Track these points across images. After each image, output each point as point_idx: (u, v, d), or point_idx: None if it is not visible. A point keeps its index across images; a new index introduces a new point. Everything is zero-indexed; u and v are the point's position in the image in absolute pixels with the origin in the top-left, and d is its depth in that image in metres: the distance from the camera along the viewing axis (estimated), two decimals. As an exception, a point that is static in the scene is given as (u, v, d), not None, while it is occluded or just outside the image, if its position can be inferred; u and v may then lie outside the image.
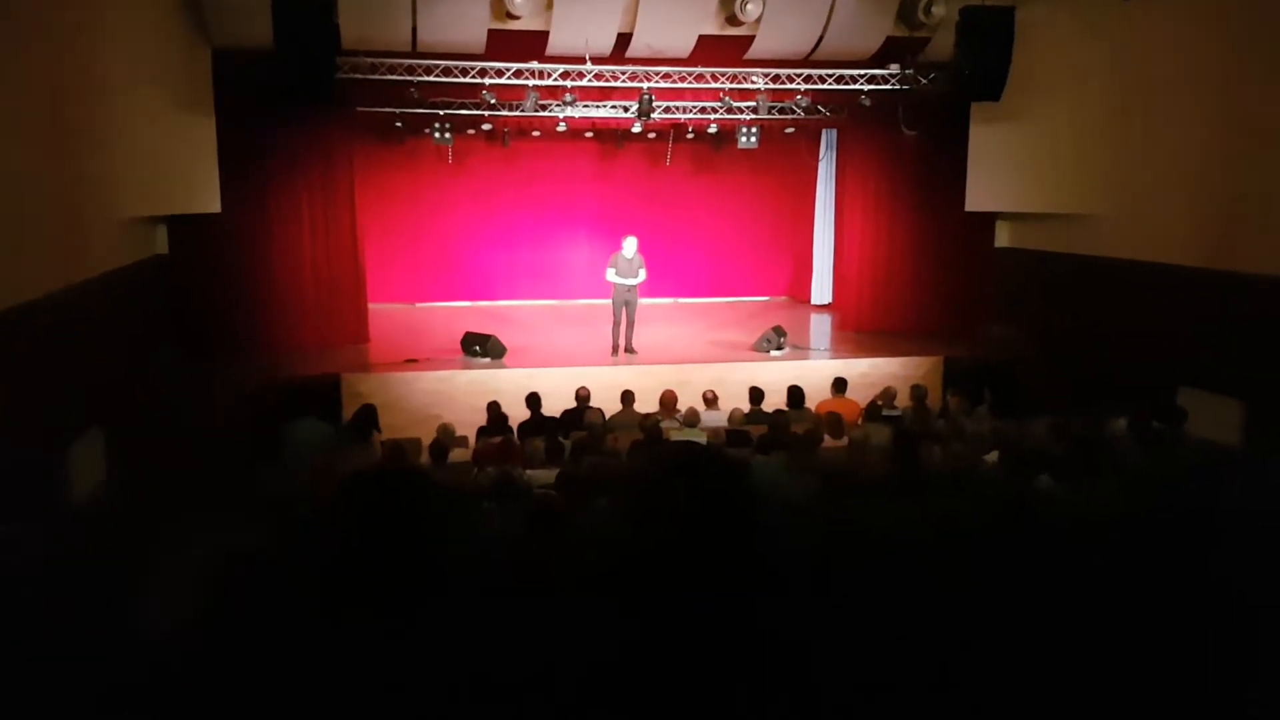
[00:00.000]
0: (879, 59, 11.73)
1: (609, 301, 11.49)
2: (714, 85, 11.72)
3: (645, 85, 11.41)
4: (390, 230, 14.38)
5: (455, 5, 10.38)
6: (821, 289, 15.52)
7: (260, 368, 10.37)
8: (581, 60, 11.05)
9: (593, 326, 12.46)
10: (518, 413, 8.54)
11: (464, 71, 11.03)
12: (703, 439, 7.41)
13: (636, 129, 12.97)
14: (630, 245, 11.27)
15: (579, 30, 10.82)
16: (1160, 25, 9.76)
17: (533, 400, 8.57)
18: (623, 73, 11.35)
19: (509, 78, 11.18)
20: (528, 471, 6.36)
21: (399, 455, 7.02)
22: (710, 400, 8.98)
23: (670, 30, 11.12)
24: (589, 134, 14.23)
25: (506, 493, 5.53)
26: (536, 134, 13.91)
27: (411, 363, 10.79)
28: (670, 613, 1.40)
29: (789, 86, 11.77)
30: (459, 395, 10.10)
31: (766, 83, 11.70)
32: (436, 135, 12.88)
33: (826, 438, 7.22)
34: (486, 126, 13.34)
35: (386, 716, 1.35)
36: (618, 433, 7.75)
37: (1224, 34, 9.00)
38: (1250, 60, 8.73)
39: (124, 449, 7.82)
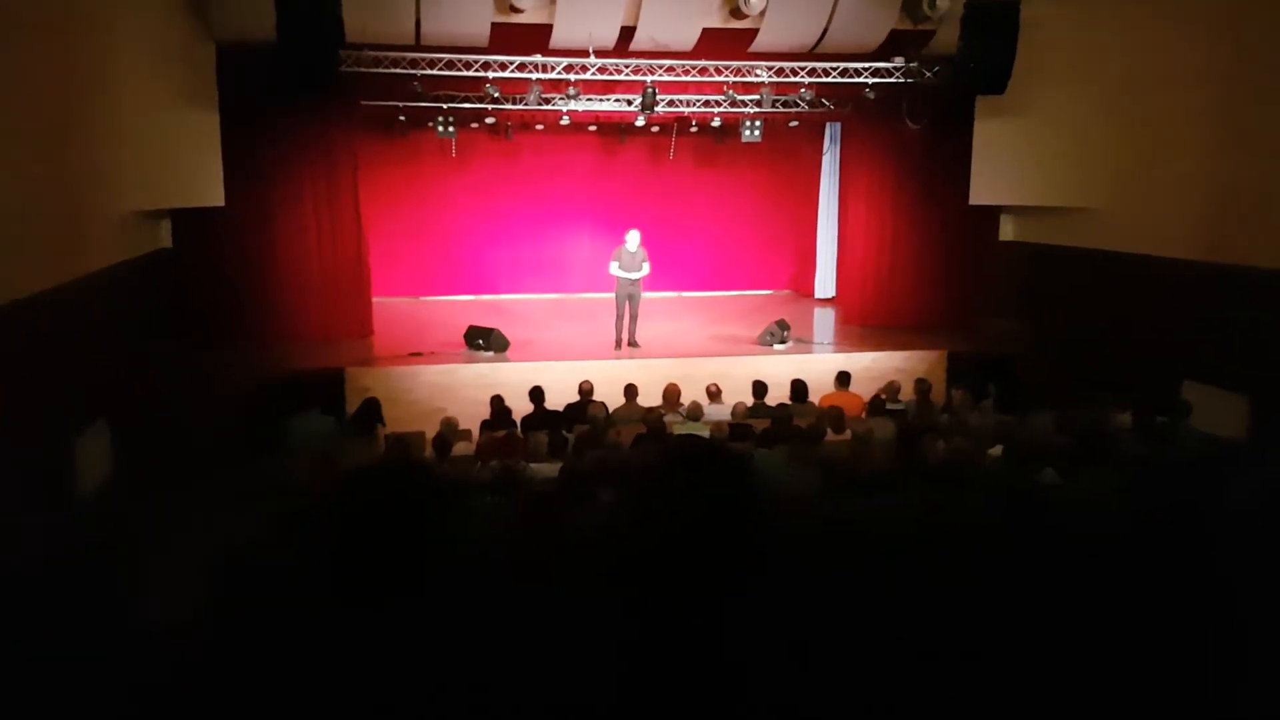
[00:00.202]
0: (883, 52, 11.69)
1: (612, 295, 11.49)
2: (718, 79, 11.70)
3: (649, 79, 11.39)
4: (394, 224, 14.38)
5: (458, -2, 10.37)
6: (825, 283, 15.50)
7: (264, 361, 10.38)
8: (585, 54, 11.03)
9: (596, 320, 12.45)
10: (521, 406, 8.55)
11: (467, 65, 11.01)
12: (706, 433, 7.41)
13: (640, 123, 12.95)
14: (633, 239, 11.27)
15: (582, 23, 10.79)
16: (1165, 18, 9.74)
17: (536, 394, 8.57)
18: (626, 66, 11.33)
19: (512, 71, 11.16)
20: (531, 465, 6.37)
21: (402, 449, 7.03)
22: (713, 394, 8.97)
23: (674, 23, 11.10)
24: (592, 128, 14.21)
25: (509, 486, 5.53)
26: (540, 128, 13.89)
27: (415, 356, 10.80)
28: (672, 607, 1.40)
29: (793, 80, 11.75)
30: (462, 389, 10.11)
31: (770, 76, 11.67)
32: (440, 129, 12.85)
33: (829, 432, 7.21)
34: (490, 120, 13.31)
35: (389, 709, 1.36)
36: (621, 426, 7.75)
37: (1229, 27, 8.97)
38: (1255, 53, 8.70)
39: (128, 443, 7.84)
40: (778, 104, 12.38)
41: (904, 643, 1.63)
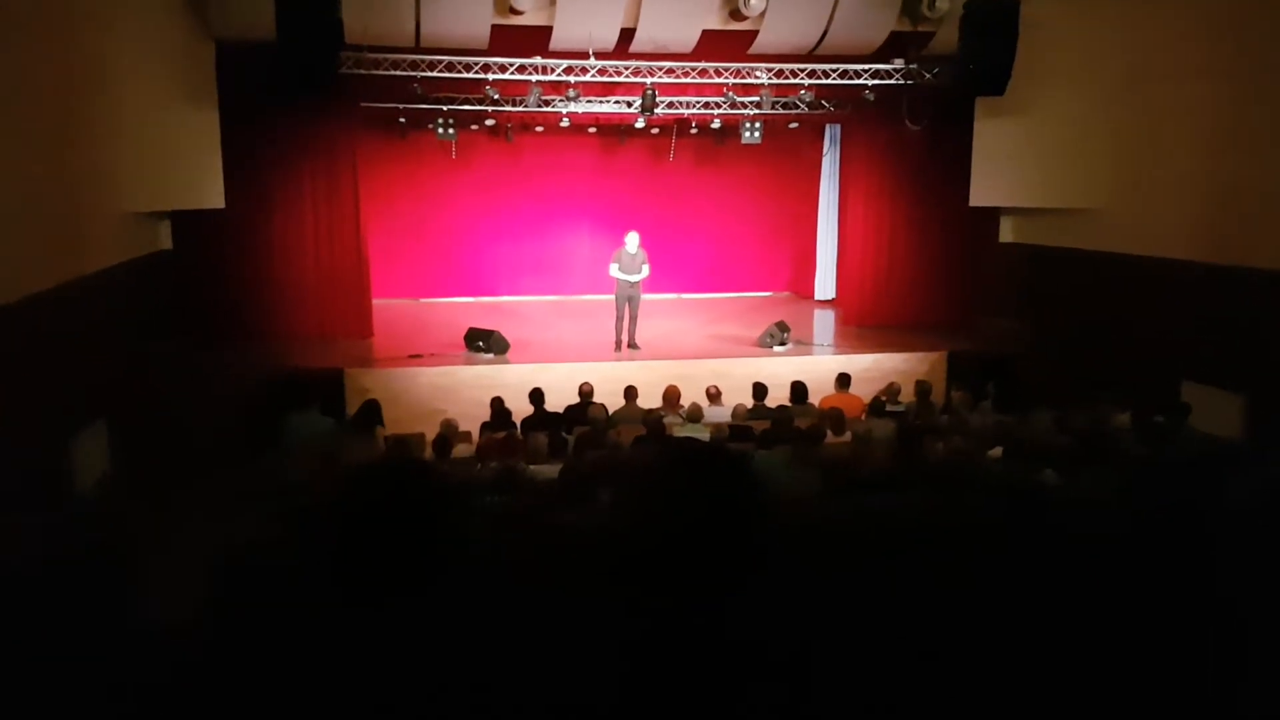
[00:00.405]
0: (883, 53, 11.70)
1: (612, 297, 11.50)
2: (717, 80, 11.70)
3: (648, 80, 11.40)
4: (394, 225, 14.38)
5: (459, 1, 10.36)
6: (825, 284, 15.50)
7: (263, 362, 10.38)
8: (585, 55, 11.03)
9: (596, 321, 12.46)
10: (521, 408, 8.55)
11: (467, 67, 11.02)
12: (706, 434, 7.41)
13: (640, 124, 12.95)
14: (633, 240, 11.28)
15: (582, 25, 10.80)
16: (1165, 18, 9.74)
17: (536, 395, 8.57)
18: (626, 68, 11.33)
19: (512, 73, 11.17)
20: (531, 467, 6.36)
21: (402, 450, 7.02)
22: (713, 395, 8.97)
23: (674, 25, 11.10)
24: (592, 129, 14.22)
25: (510, 488, 5.53)
26: (540, 129, 13.90)
27: (415, 358, 10.80)
28: (673, 606, 1.40)
29: (793, 81, 11.75)
30: (462, 390, 10.11)
31: (770, 77, 11.68)
32: (440, 131, 12.85)
33: (829, 433, 7.21)
34: (490, 122, 13.32)
35: (391, 708, 1.35)
36: (621, 428, 7.75)
37: (1229, 27, 8.97)
38: (1255, 54, 8.71)
39: (128, 442, 7.84)
40: (777, 105, 12.38)
41: (905, 642, 1.63)
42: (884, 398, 8.93)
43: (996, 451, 6.18)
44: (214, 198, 10.62)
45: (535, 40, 11.05)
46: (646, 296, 11.66)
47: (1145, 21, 9.99)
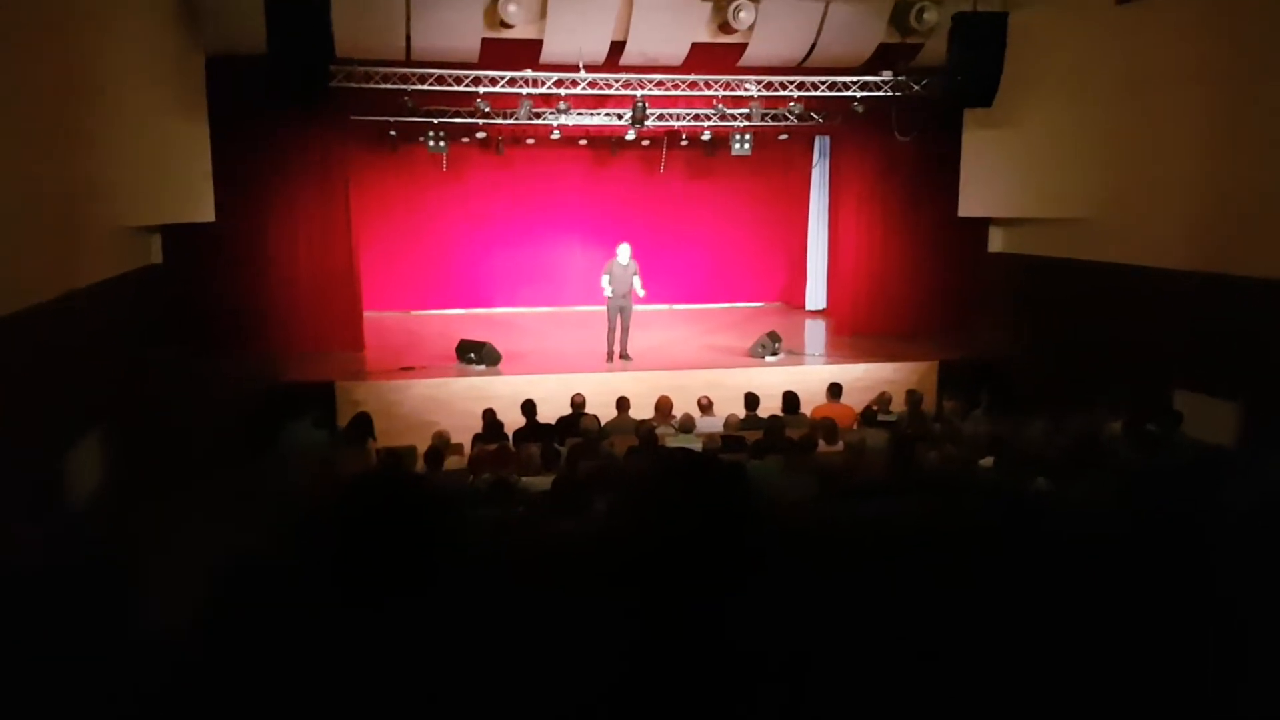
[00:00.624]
0: (872, 65, 11.77)
1: (604, 308, 11.51)
2: (707, 92, 11.75)
3: (639, 93, 11.44)
4: (385, 238, 14.39)
5: (449, 14, 10.40)
6: (816, 294, 15.55)
7: (256, 375, 10.34)
8: (575, 68, 11.07)
9: (588, 333, 12.46)
10: (513, 419, 8.54)
11: (458, 80, 11.04)
12: (698, 445, 7.41)
13: (630, 136, 13.00)
14: (624, 252, 11.30)
15: (572, 39, 10.85)
16: (1152, 28, 9.81)
17: (528, 407, 8.56)
18: (616, 80, 11.37)
19: (503, 86, 11.20)
20: (523, 478, 6.35)
21: (394, 463, 7.01)
22: (705, 406, 8.98)
23: (663, 38, 11.15)
24: (583, 141, 14.25)
25: (503, 499, 5.52)
26: (531, 142, 13.93)
27: (407, 370, 10.78)
28: (671, 611, 1.40)
29: (782, 93, 11.81)
30: (454, 402, 10.09)
31: (760, 90, 11.74)
32: (431, 143, 12.88)
33: (822, 442, 7.22)
34: (481, 134, 13.35)
35: (389, 713, 1.35)
36: (613, 439, 7.75)
37: (1216, 37, 9.04)
38: (1242, 63, 8.77)
39: (122, 454, 7.80)
40: (767, 117, 12.44)
41: (902, 646, 1.63)
42: (876, 407, 8.95)
43: (988, 461, 6.19)
44: (205, 212, 10.60)
45: (526, 53, 11.08)
46: (638, 307, 11.68)
47: (1133, 31, 10.06)
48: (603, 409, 8.71)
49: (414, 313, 14.95)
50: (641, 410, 8.78)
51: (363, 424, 8.15)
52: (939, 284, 13.07)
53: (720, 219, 15.94)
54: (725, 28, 11.07)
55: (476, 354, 10.99)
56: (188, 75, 10.34)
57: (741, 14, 10.77)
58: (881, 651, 1.61)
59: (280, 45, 8.88)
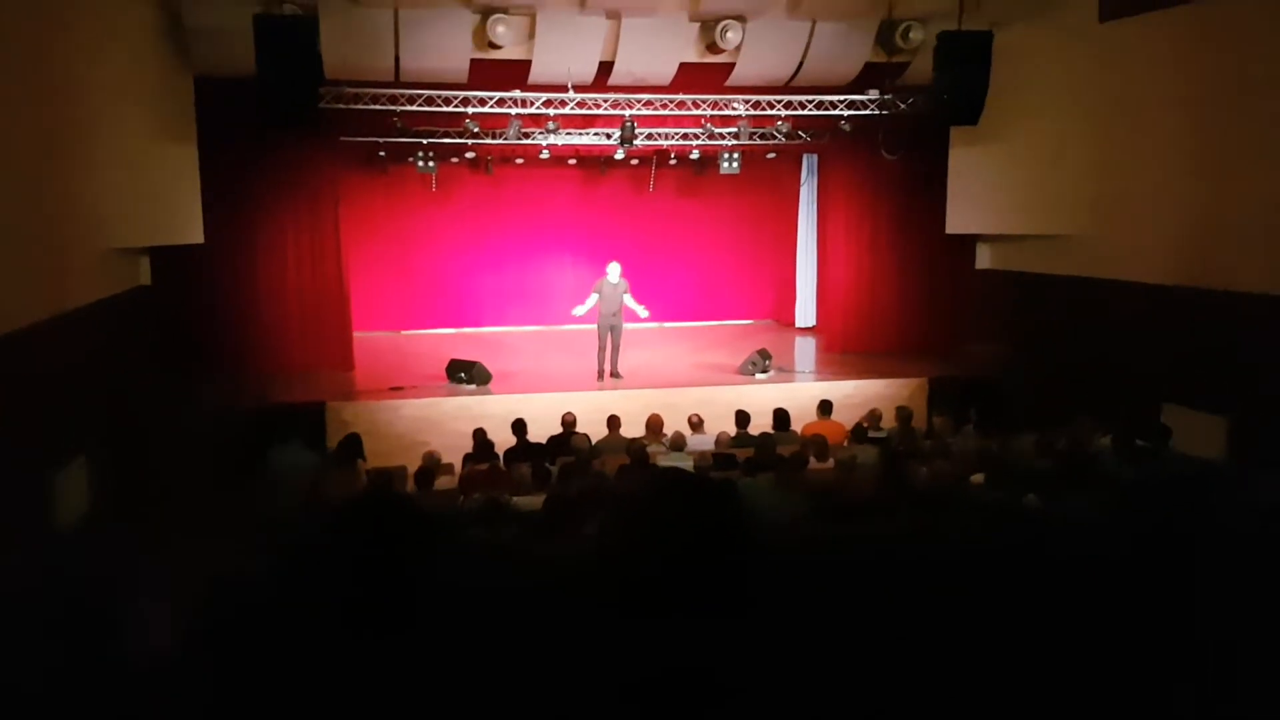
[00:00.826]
0: (858, 84, 11.85)
1: (594, 326, 11.51)
2: (695, 112, 11.81)
3: (627, 112, 11.49)
4: (375, 258, 14.39)
5: (438, 35, 10.44)
6: (805, 312, 15.60)
7: (245, 396, 10.31)
8: (564, 88, 11.12)
9: (578, 352, 12.46)
10: (504, 439, 8.52)
11: (447, 100, 11.07)
12: (689, 463, 7.40)
13: (619, 156, 13.05)
14: (614, 271, 11.32)
15: (561, 59, 10.90)
16: (1136, 46, 9.91)
17: (518, 426, 8.55)
18: (605, 100, 11.42)
19: (492, 106, 11.23)
20: (515, 498, 6.33)
21: (384, 483, 6.97)
22: (696, 424, 8.98)
23: (651, 58, 11.21)
24: (572, 161, 14.30)
25: (494, 519, 5.50)
26: (520, 161, 13.97)
27: (397, 390, 10.76)
28: (662, 633, 1.39)
29: (770, 112, 11.88)
30: (445, 422, 10.06)
31: (747, 109, 11.80)
32: (420, 164, 12.91)
33: (813, 460, 7.22)
34: (470, 155, 13.38)
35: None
36: (605, 457, 7.73)
37: (1200, 54, 9.14)
38: (1226, 79, 8.87)
39: (110, 478, 7.75)
40: (755, 136, 12.51)
41: (896, 661, 1.63)
42: (866, 424, 8.95)
43: (979, 478, 6.21)
44: (193, 233, 10.58)
45: (514, 74, 11.13)
46: (628, 326, 11.69)
47: (1117, 49, 10.16)
48: (594, 428, 8.70)
49: (404, 332, 14.93)
50: (632, 429, 8.77)
51: (353, 444, 8.12)
52: (927, 300, 13.12)
53: (709, 237, 16.00)
54: (713, 48, 11.13)
55: (467, 373, 10.97)
56: (176, 96, 10.34)
57: (729, 34, 10.84)
58: (875, 668, 1.61)
59: (269, 67, 8.89)
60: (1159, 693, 1.76)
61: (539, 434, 8.61)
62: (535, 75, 11.13)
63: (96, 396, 8.10)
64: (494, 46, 10.59)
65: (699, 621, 1.39)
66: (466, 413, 10.04)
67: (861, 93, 11.77)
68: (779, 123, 12.06)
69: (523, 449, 8.30)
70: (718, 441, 8.46)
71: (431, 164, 12.97)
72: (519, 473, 6.96)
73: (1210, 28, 9.03)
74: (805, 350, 13.91)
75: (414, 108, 11.04)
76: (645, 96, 11.50)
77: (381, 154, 13.11)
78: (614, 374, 11.46)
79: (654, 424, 8.62)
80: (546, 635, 1.47)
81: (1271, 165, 8.41)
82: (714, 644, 1.39)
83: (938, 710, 1.61)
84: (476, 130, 11.47)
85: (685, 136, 12.83)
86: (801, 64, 11.56)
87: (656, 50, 11.14)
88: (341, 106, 10.72)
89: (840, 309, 13.44)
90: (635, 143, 11.93)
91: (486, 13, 10.30)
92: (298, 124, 9.71)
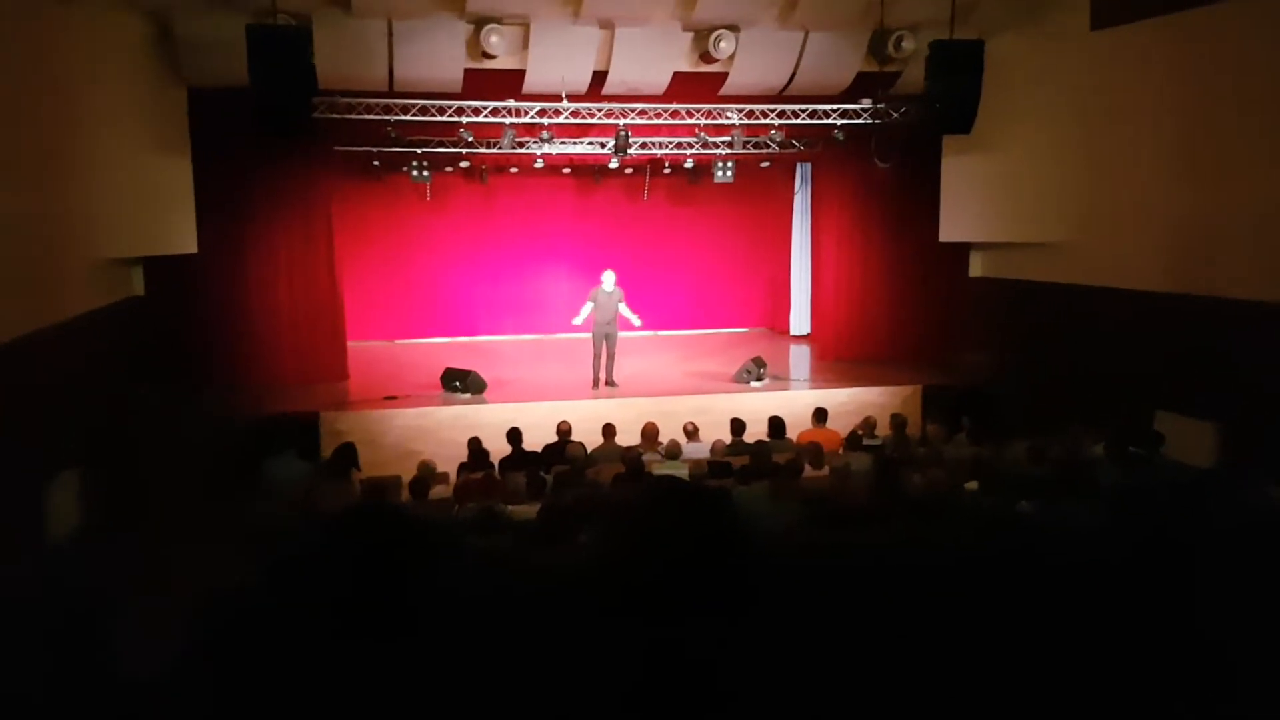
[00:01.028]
0: (851, 93, 11.90)
1: (589, 335, 11.52)
2: (689, 121, 11.84)
3: (621, 122, 11.52)
4: (369, 267, 14.39)
5: (432, 45, 10.46)
6: (800, 319, 15.63)
7: (239, 406, 10.29)
8: (558, 98, 11.14)
9: (573, 360, 12.46)
10: (499, 448, 8.51)
11: (441, 110, 11.09)
12: (684, 471, 7.40)
13: (613, 165, 13.08)
14: (609, 279, 11.33)
15: (555, 69, 10.92)
16: (1127, 54, 9.96)
17: (513, 435, 8.54)
18: (599, 110, 11.45)
19: (486, 116, 11.25)
20: (510, 507, 6.33)
21: (379, 493, 6.96)
22: (691, 432, 8.99)
23: (645, 68, 11.25)
24: (566, 170, 14.33)
25: (489, 528, 5.49)
26: (514, 171, 14.00)
27: (391, 400, 10.74)
28: (660, 641, 1.39)
29: (763, 121, 11.92)
30: (439, 431, 10.06)
31: (741, 118, 11.84)
32: (414, 173, 12.92)
33: (808, 467, 7.23)
34: (464, 164, 13.40)
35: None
36: (600, 466, 7.73)
37: (1190, 62, 9.19)
38: (1215, 87, 8.92)
39: (103, 490, 7.72)
40: (749, 145, 12.55)
41: (891, 669, 1.63)
42: (861, 431, 8.97)
43: (973, 485, 6.22)
44: (187, 243, 10.57)
45: (508, 83, 11.15)
46: (623, 334, 11.70)
47: (1108, 57, 10.21)
48: (589, 436, 8.70)
49: (398, 342, 14.92)
50: (628, 437, 8.77)
51: (347, 454, 8.10)
52: (921, 308, 13.16)
53: (704, 246, 16.03)
54: (706, 57, 11.17)
55: (461, 382, 10.97)
56: (170, 107, 10.35)
57: (722, 44, 10.88)
58: (870, 675, 1.61)
59: (262, 77, 8.89)
60: (1156, 697, 1.76)
61: (534, 443, 8.61)
62: (529, 85, 11.16)
63: (89, 408, 8.08)
64: (488, 56, 10.61)
65: (695, 629, 1.40)
66: (461, 422, 10.03)
67: (854, 102, 11.81)
68: (772, 131, 12.10)
69: (518, 458, 8.30)
70: (713, 450, 8.46)
71: (426, 173, 12.99)
72: (514, 482, 6.95)
73: (1201, 36, 9.08)
74: (800, 358, 13.93)
75: (408, 117, 11.05)
76: (639, 106, 11.53)
77: (375, 163, 13.12)
78: (609, 382, 11.46)
79: (649, 432, 8.62)
80: (544, 643, 1.47)
81: (1262, 173, 8.45)
82: (710, 650, 1.39)
83: (933, 717, 1.61)
84: (470, 140, 11.48)
85: (679, 145, 12.87)
86: (794, 73, 11.61)
87: (650, 59, 11.17)
88: (335, 116, 10.73)
89: (834, 317, 13.47)
90: (629, 152, 11.96)
91: (480, 22, 10.33)
92: (291, 134, 9.71)
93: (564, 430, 8.75)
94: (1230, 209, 8.78)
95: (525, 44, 10.71)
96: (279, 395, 10.86)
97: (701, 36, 11.01)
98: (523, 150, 12.09)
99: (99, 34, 8.63)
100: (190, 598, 1.78)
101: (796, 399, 10.98)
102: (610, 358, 11.45)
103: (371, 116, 10.95)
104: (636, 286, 13.14)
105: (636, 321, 11.46)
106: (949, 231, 12.37)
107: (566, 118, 11.34)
